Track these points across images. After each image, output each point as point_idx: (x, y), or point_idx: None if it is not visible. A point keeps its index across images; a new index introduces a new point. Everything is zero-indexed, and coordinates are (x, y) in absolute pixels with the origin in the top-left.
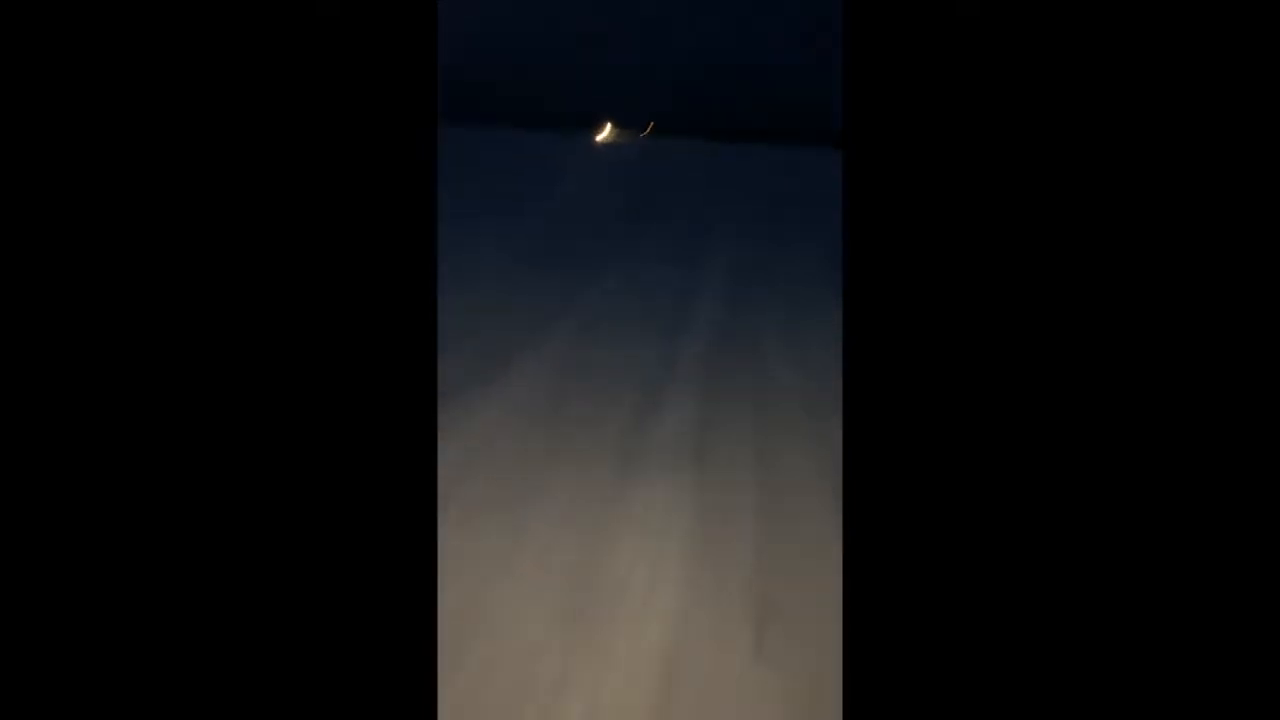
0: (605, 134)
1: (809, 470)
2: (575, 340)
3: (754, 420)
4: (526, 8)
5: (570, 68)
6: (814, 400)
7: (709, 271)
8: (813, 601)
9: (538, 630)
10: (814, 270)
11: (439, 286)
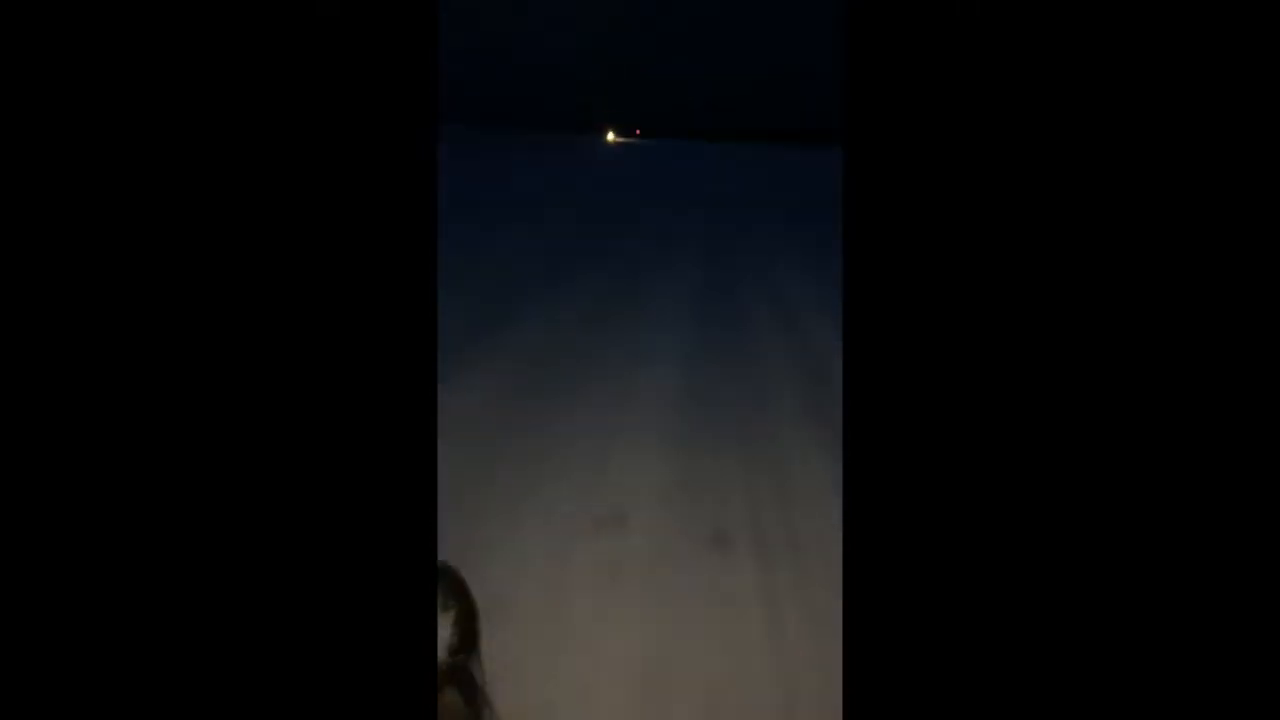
0: (612, 135)
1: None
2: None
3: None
4: (534, 18)
5: (576, 74)
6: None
7: (706, 263)
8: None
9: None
10: (809, 260)
11: (445, 290)
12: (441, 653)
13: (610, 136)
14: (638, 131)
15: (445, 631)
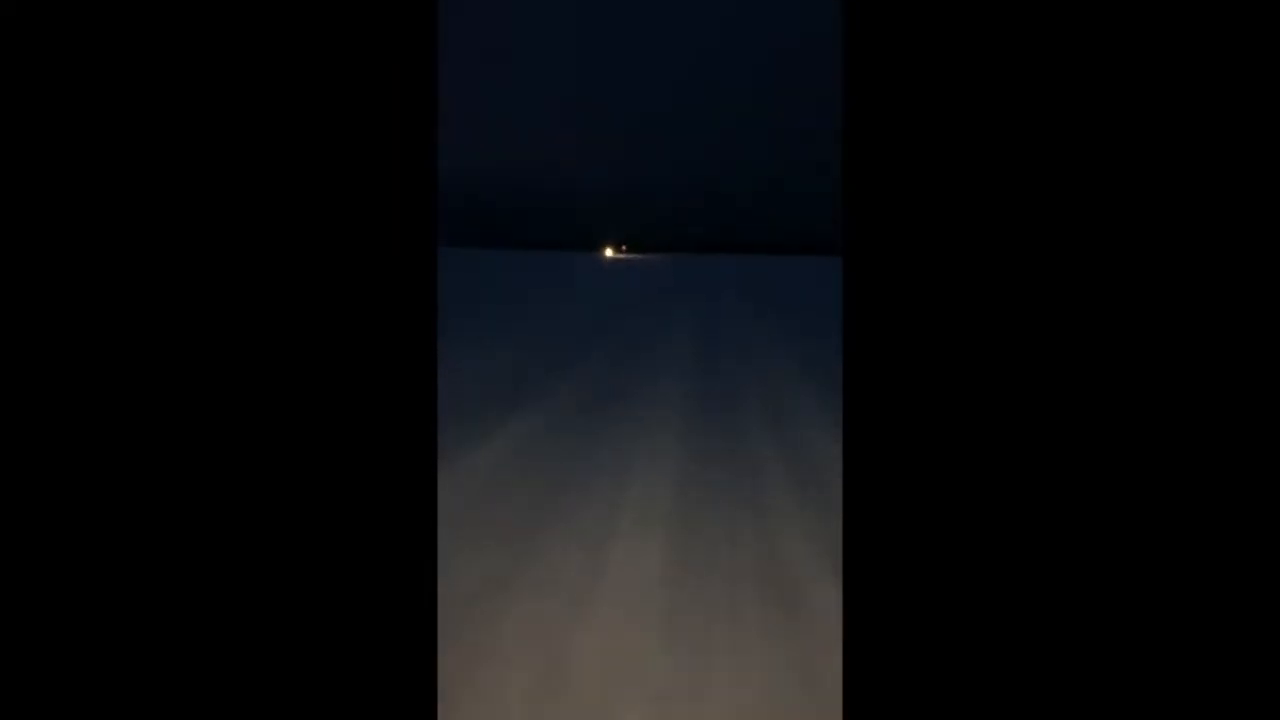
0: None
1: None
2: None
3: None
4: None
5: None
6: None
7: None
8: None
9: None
10: (801, 362)
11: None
12: None
13: (608, 253)
14: (623, 247)
15: None
